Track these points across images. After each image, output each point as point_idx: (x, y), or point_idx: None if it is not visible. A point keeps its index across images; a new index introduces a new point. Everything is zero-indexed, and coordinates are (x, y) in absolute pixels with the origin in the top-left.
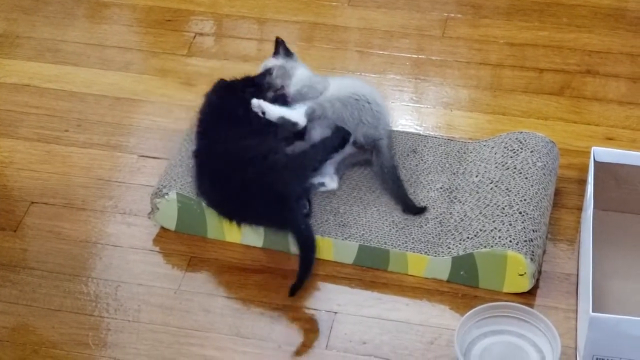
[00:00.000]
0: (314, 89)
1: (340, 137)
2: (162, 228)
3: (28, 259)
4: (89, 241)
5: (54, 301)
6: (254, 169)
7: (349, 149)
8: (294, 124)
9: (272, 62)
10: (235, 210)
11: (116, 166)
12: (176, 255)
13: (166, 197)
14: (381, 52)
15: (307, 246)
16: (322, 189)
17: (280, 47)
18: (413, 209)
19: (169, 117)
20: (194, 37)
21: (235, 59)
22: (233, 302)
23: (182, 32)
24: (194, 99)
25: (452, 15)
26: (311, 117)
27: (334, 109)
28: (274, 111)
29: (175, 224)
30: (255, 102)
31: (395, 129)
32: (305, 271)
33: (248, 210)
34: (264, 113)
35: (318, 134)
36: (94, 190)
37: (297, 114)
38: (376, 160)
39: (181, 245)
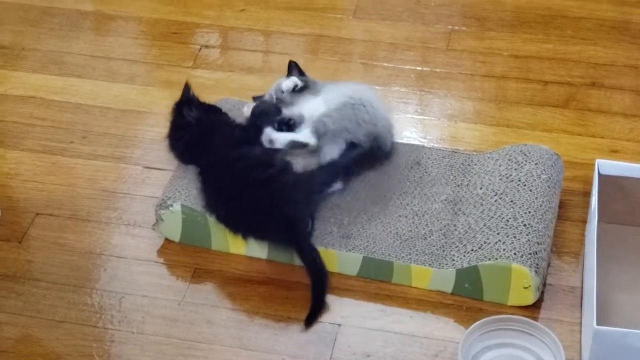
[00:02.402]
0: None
1: (346, 164)
2: (167, 239)
3: (33, 270)
4: (94, 252)
5: (58, 312)
6: (264, 189)
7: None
8: (305, 145)
9: (285, 82)
10: (242, 225)
11: (121, 178)
12: (180, 266)
13: (170, 208)
14: (386, 65)
15: (319, 277)
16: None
17: (294, 69)
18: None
19: None
20: (200, 49)
21: (240, 71)
22: (237, 313)
23: (187, 45)
24: None
25: (457, 27)
26: (318, 134)
27: (334, 121)
28: (282, 138)
29: (180, 236)
30: (265, 135)
31: (399, 140)
32: (320, 302)
33: (255, 228)
34: (271, 142)
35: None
36: (98, 201)
37: (305, 135)
38: (377, 147)
39: (185, 257)
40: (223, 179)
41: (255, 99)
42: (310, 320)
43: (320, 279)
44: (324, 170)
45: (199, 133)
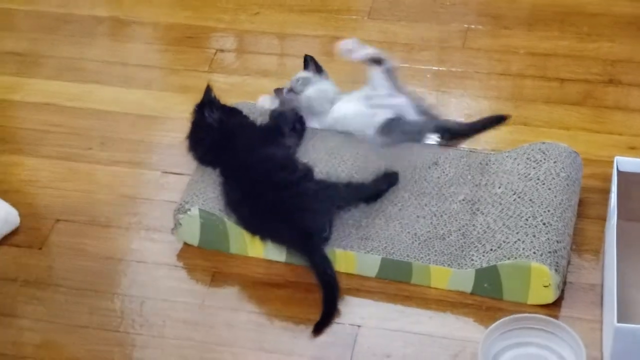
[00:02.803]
0: (321, 103)
1: (373, 191)
2: (186, 244)
3: (54, 276)
4: (114, 257)
5: (79, 318)
6: (284, 193)
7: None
8: (381, 60)
9: (302, 74)
10: (260, 228)
11: (139, 183)
12: (200, 270)
13: (189, 212)
14: (402, 65)
15: (330, 288)
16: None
17: (310, 64)
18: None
19: None
20: (215, 53)
21: (256, 74)
22: (256, 316)
23: (203, 49)
24: None
25: (473, 26)
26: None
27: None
28: (363, 51)
29: (198, 240)
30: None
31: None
32: (330, 311)
33: (273, 232)
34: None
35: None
36: (117, 207)
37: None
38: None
39: (204, 261)
40: (244, 181)
41: (276, 91)
42: (319, 327)
43: (331, 290)
44: (353, 188)
45: (220, 135)
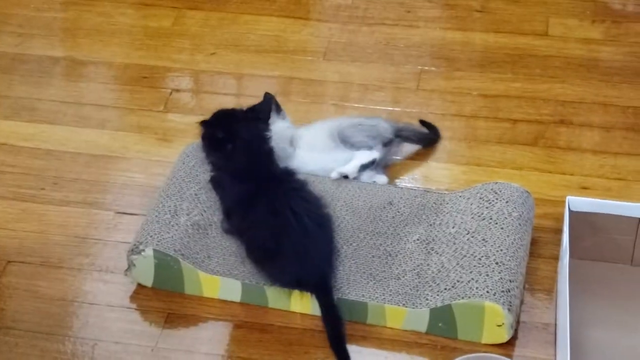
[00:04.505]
0: (282, 143)
1: None
2: (139, 285)
3: (5, 318)
4: (66, 299)
5: None
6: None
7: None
8: (373, 161)
9: None
10: (271, 259)
11: (93, 223)
12: (153, 312)
13: (143, 253)
14: (357, 105)
15: (339, 328)
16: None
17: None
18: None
19: (145, 173)
20: (171, 93)
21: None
22: (211, 358)
23: (158, 89)
24: (171, 155)
25: (426, 68)
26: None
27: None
28: (352, 168)
29: (152, 281)
30: (334, 174)
31: (370, 180)
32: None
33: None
34: (346, 176)
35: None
36: (70, 248)
37: (366, 155)
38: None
39: (158, 302)
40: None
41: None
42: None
43: (340, 330)
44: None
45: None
